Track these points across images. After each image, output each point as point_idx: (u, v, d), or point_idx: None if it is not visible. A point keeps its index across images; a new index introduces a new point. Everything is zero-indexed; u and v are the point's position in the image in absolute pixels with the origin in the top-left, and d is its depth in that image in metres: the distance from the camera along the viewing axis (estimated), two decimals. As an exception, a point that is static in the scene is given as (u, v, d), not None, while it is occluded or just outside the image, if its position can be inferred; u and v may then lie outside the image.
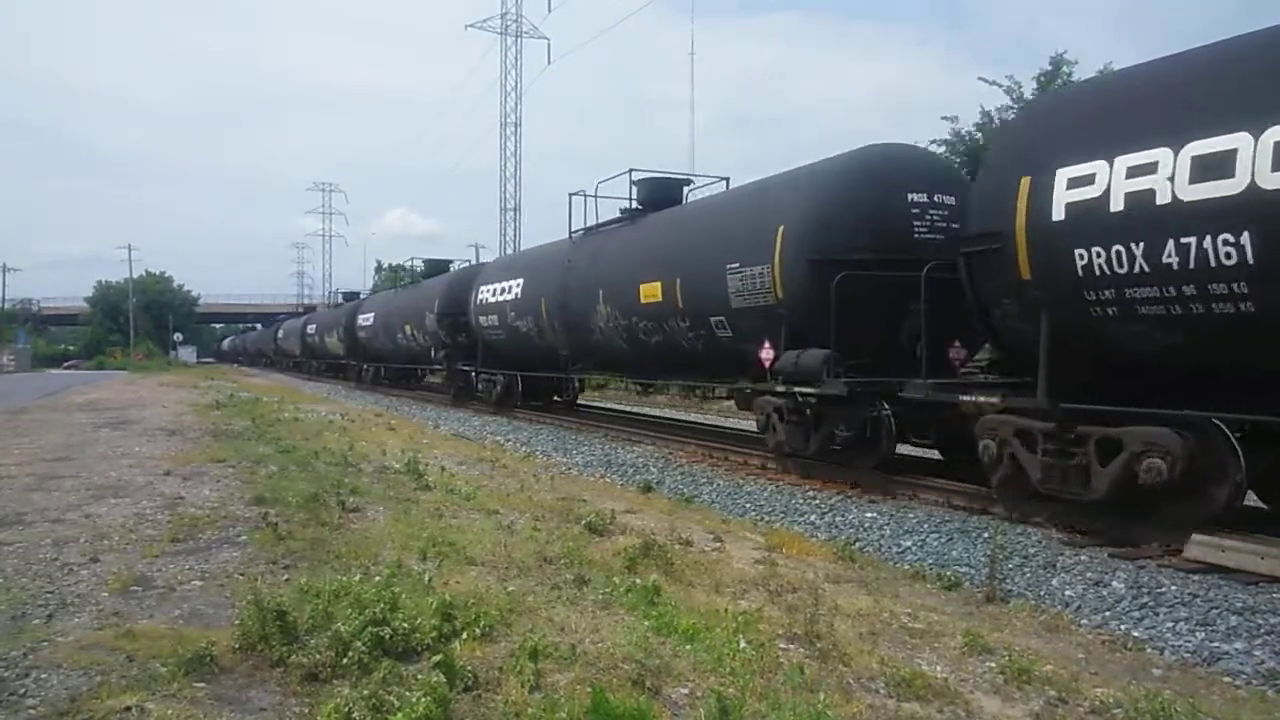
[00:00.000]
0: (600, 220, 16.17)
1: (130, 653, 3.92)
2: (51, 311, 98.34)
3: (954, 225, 9.40)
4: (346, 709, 3.24)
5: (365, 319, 32.32)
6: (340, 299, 44.90)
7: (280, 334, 53.82)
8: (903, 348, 9.47)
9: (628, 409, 22.30)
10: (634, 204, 15.20)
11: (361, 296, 40.98)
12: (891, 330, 9.63)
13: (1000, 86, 21.75)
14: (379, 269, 75.10)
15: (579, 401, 21.26)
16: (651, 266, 12.92)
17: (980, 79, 30.31)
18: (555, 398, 20.50)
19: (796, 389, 9.95)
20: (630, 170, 15.20)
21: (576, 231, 16.72)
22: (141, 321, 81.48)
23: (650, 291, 12.82)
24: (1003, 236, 7.33)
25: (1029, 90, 21.01)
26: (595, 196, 16.19)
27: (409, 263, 32.68)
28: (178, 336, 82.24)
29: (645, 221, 14.46)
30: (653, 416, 19.99)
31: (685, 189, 15.06)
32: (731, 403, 20.15)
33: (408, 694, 3.35)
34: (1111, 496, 6.90)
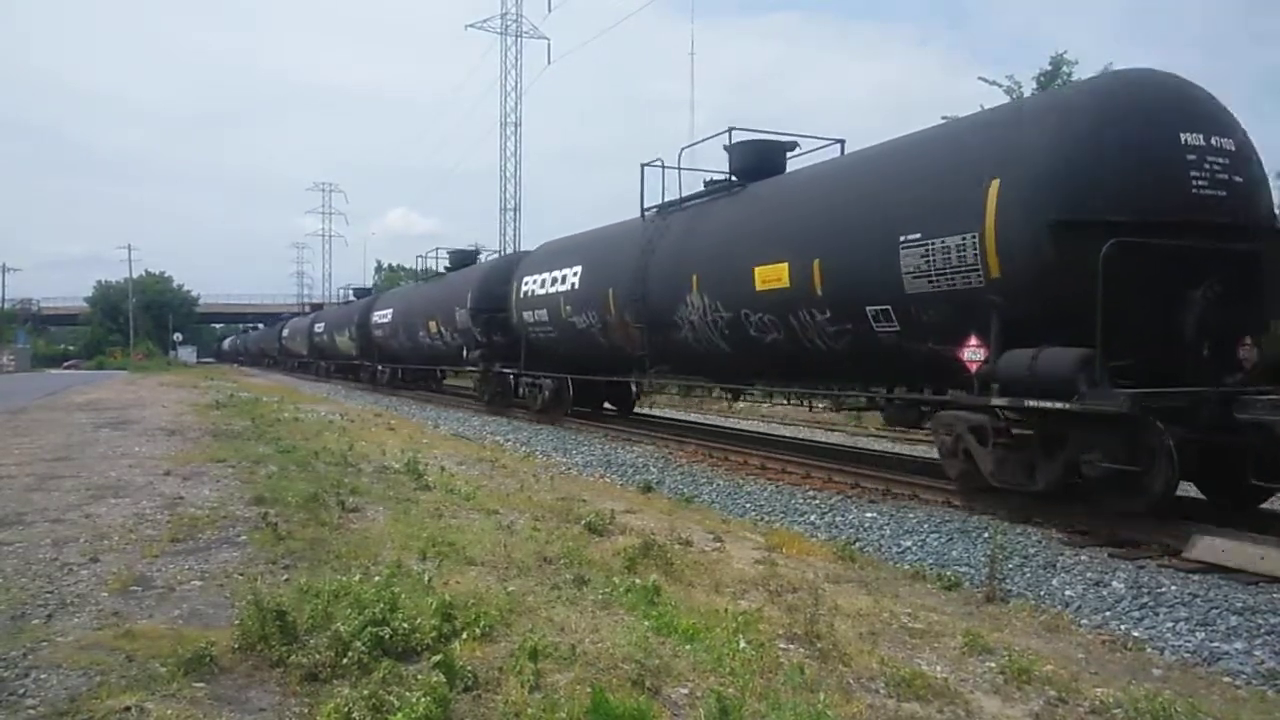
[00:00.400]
0: (683, 195, 13.67)
1: (130, 653, 3.92)
2: (51, 311, 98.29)
3: (1237, 178, 7.40)
4: (346, 709, 3.24)
5: (381, 316, 29.70)
6: (351, 295, 42.60)
7: (285, 333, 53.00)
8: (1183, 345, 7.12)
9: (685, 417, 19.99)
10: (731, 176, 12.81)
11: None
12: (1171, 321, 7.12)
13: (1000, 86, 21.77)
14: (379, 269, 75.18)
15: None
16: (774, 245, 10.43)
17: (980, 79, 30.36)
18: (605, 405, 18.57)
19: (1030, 403, 7.23)
20: (730, 130, 12.73)
21: (650, 209, 14.22)
22: (141, 321, 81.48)
23: (771, 276, 10.29)
24: None
25: (1029, 90, 21.00)
26: (678, 168, 13.73)
27: (432, 253, 29.25)
28: (178, 336, 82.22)
29: (752, 192, 11.94)
30: (653, 417, 19.96)
31: (788, 155, 12.71)
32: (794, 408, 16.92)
33: (408, 694, 3.35)
34: None
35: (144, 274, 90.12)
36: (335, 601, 4.38)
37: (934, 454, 9.32)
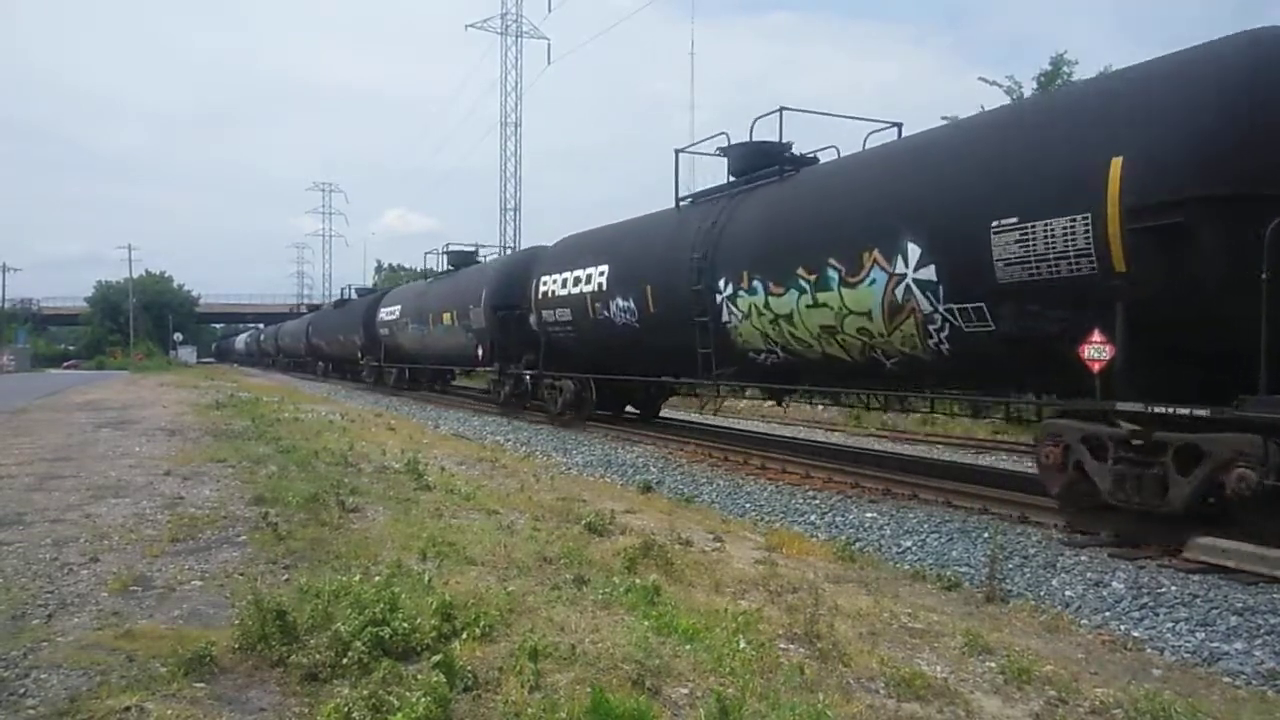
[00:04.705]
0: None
1: (130, 653, 3.92)
2: (51, 311, 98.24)
3: None
4: (346, 709, 3.24)
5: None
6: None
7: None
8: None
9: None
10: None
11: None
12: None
13: (1000, 87, 21.78)
14: (379, 269, 75.21)
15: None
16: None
17: (980, 79, 30.38)
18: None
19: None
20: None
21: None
22: (141, 322, 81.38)
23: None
24: None
25: (1029, 90, 21.01)
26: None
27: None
28: (178, 336, 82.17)
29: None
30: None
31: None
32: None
33: (408, 694, 3.35)
34: None
35: (144, 274, 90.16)
36: (335, 601, 4.38)
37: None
